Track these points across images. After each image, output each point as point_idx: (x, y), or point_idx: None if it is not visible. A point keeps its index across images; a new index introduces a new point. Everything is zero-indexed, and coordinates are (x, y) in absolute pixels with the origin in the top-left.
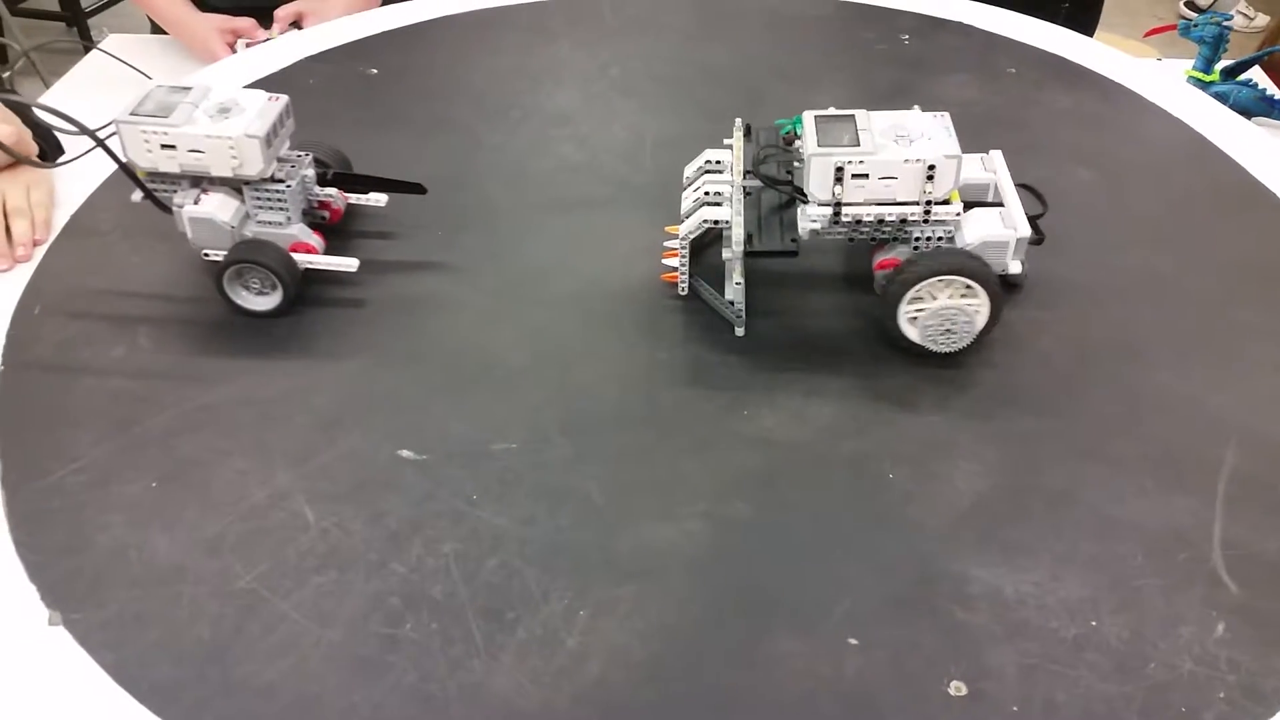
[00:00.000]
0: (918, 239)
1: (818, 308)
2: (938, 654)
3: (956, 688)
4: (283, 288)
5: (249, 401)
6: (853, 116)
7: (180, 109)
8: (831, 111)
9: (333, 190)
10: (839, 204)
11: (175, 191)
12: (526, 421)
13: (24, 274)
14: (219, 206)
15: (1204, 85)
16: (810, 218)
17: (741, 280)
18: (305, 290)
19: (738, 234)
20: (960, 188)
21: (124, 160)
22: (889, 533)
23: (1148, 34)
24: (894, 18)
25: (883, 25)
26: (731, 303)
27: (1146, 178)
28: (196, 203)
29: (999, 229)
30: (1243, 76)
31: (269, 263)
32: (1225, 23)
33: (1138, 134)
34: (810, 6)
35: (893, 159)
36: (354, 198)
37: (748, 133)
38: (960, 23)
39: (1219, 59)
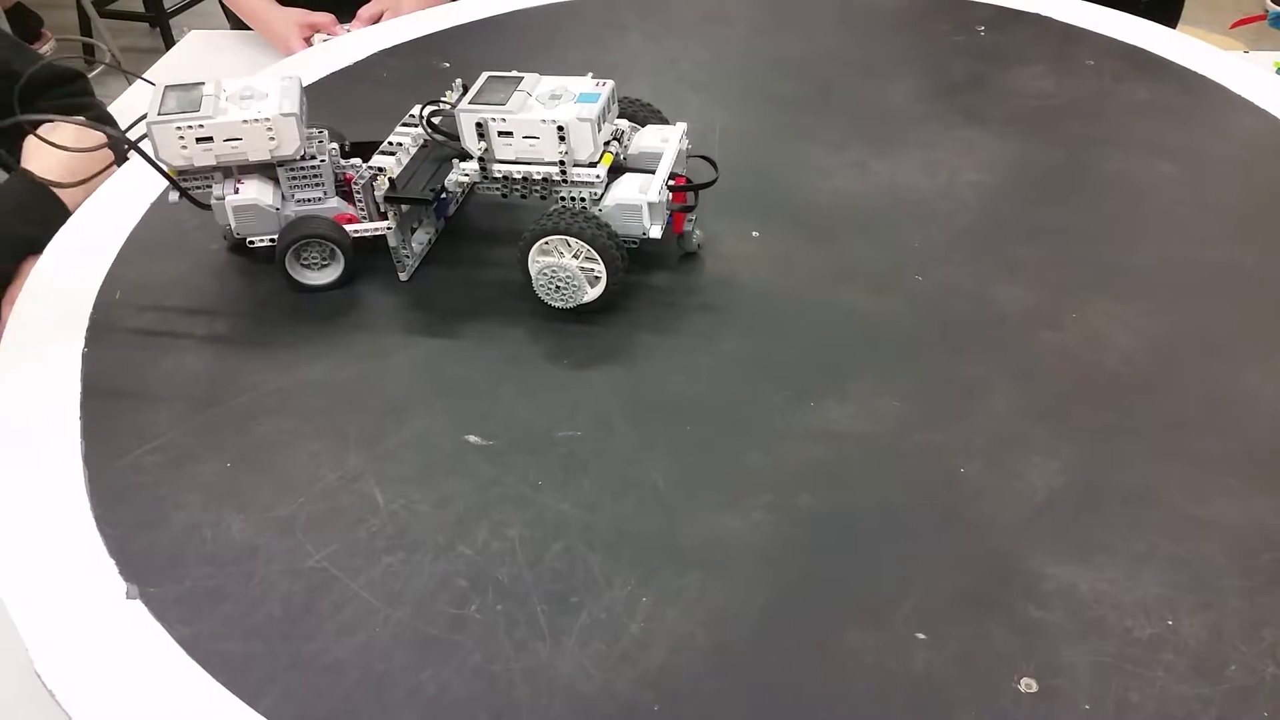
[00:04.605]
0: (563, 198)
1: (873, 302)
2: (1009, 650)
3: (1027, 685)
4: (344, 257)
5: (322, 385)
6: (520, 78)
7: (205, 102)
8: (511, 73)
9: (356, 160)
10: (483, 159)
11: (208, 187)
12: (591, 409)
13: (105, 261)
14: (260, 191)
15: None
16: (462, 171)
17: (394, 225)
18: (361, 269)
19: (382, 180)
20: (636, 155)
21: (159, 162)
22: (960, 528)
23: (1234, 25)
24: (970, 9)
25: (958, 17)
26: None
27: (1230, 171)
28: (236, 192)
29: (633, 194)
30: None
31: (329, 234)
32: None
33: (1222, 127)
34: None
35: (532, 119)
36: None
37: (464, 92)
38: (1038, 14)
39: None
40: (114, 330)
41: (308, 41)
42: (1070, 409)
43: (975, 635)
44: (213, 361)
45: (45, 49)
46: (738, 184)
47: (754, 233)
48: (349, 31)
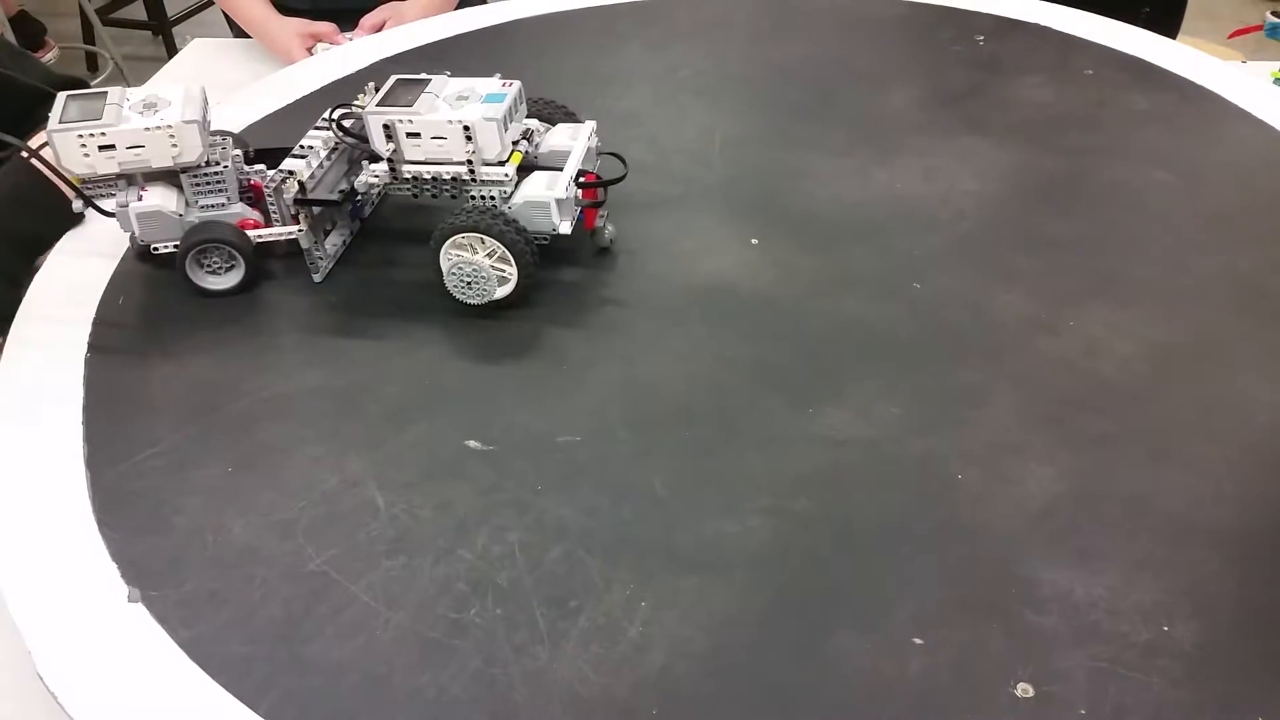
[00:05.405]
0: (473, 197)
1: (884, 308)
2: (1005, 655)
3: (1023, 690)
4: (244, 262)
5: (323, 391)
6: (429, 80)
7: (108, 110)
8: (420, 76)
9: (261, 166)
10: (392, 160)
11: (112, 195)
12: (591, 415)
13: (109, 265)
14: (163, 198)
15: None
16: (372, 172)
17: (305, 228)
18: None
19: (291, 183)
20: (546, 153)
21: (61, 170)
22: (957, 534)
23: (1232, 35)
24: (969, 19)
25: (957, 26)
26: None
27: (1227, 180)
28: (140, 199)
29: (541, 191)
30: None
31: (229, 239)
32: None
33: (1219, 136)
34: (883, 7)
35: (438, 120)
36: None
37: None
38: (1037, 24)
39: None
40: (117, 336)
41: (309, 51)
42: (1067, 416)
43: (972, 640)
44: (214, 367)
45: (48, 57)
46: (738, 191)
47: (753, 240)
48: (350, 41)
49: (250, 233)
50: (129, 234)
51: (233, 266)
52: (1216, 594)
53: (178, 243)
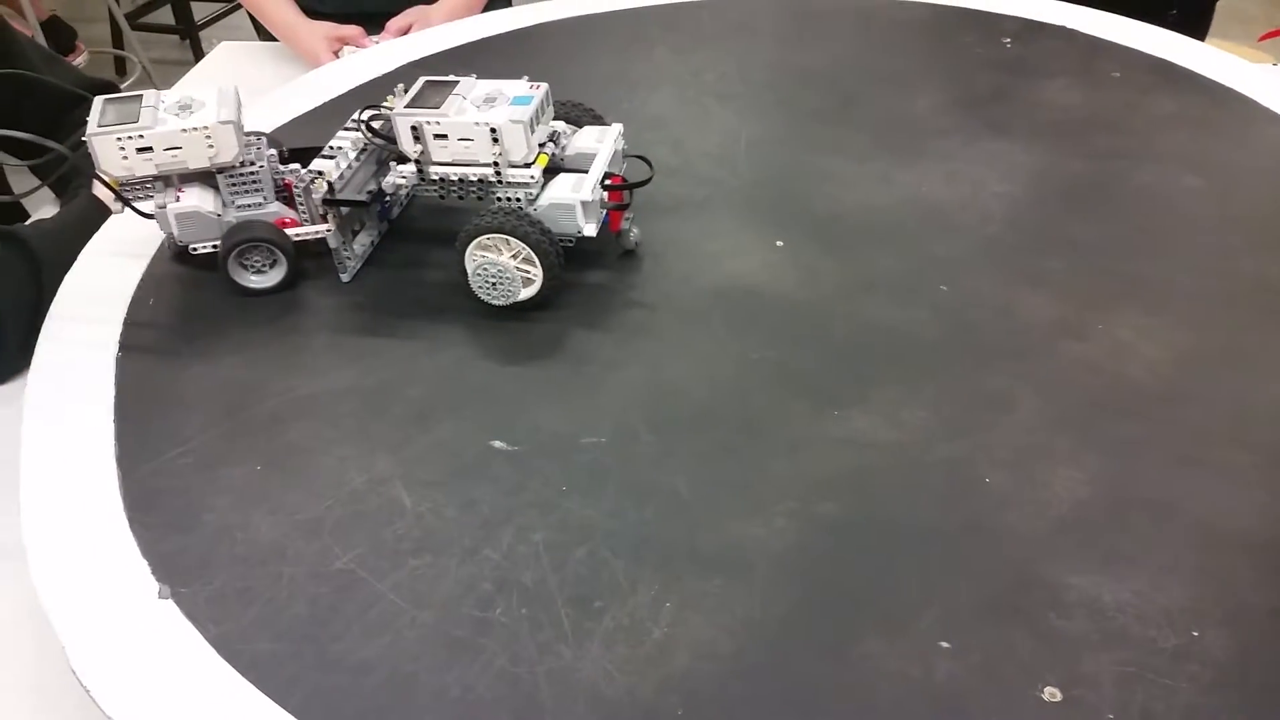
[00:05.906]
0: (499, 199)
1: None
2: (1032, 659)
3: (1051, 694)
4: (286, 260)
5: (350, 391)
6: (456, 82)
7: (144, 112)
8: (448, 78)
9: (295, 165)
10: (419, 161)
11: (149, 197)
12: (616, 417)
13: (139, 267)
14: (200, 198)
15: None
16: (399, 174)
17: (333, 228)
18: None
19: (320, 184)
20: (573, 155)
21: (100, 174)
22: (984, 538)
23: (1263, 37)
24: (994, 22)
25: (982, 29)
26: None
27: (1258, 184)
28: (177, 200)
29: (566, 193)
30: None
31: (271, 238)
32: None
33: (1249, 139)
34: (907, 10)
35: (465, 122)
36: None
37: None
38: (1063, 26)
39: None
40: (147, 336)
41: (336, 54)
42: (1095, 420)
43: (999, 644)
44: (244, 366)
45: (79, 61)
46: (763, 194)
47: (778, 243)
48: (377, 44)
49: (287, 231)
50: (166, 234)
51: (274, 265)
52: (1246, 600)
53: (216, 243)
